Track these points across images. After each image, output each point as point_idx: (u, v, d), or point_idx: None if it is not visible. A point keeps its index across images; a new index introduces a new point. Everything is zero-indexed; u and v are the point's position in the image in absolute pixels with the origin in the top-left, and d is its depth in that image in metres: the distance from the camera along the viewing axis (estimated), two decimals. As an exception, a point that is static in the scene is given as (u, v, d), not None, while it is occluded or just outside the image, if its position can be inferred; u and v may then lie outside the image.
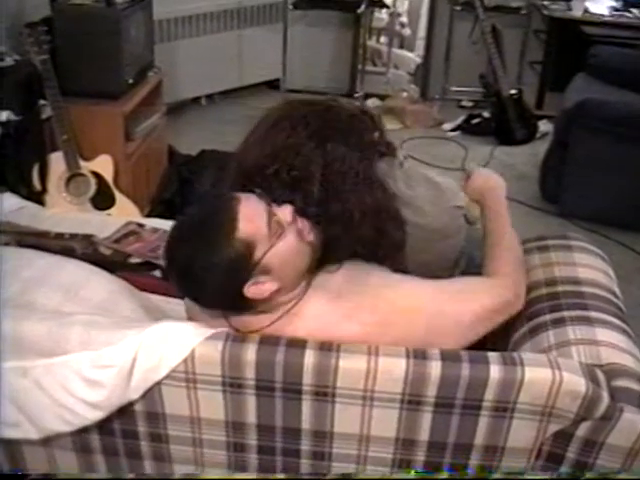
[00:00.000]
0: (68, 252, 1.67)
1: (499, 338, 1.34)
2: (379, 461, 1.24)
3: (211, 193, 1.73)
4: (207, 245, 1.15)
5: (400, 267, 1.33)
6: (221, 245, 1.14)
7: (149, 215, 2.91)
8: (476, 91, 4.63)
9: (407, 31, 5.34)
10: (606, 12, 4.34)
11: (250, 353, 1.15)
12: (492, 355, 1.16)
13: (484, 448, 1.19)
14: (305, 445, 1.24)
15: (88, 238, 1.82)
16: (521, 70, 4.69)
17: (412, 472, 1.24)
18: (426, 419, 1.17)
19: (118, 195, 2.83)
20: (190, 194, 3.17)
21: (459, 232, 1.55)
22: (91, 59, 2.80)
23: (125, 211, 2.78)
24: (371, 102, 4.69)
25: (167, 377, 1.18)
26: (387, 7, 4.98)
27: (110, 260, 1.78)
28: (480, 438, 1.18)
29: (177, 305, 1.53)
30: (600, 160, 3.27)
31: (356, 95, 4.69)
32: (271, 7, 4.58)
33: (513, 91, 4.26)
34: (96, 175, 2.78)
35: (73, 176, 2.75)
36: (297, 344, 1.16)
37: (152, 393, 1.20)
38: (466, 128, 4.45)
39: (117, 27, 2.80)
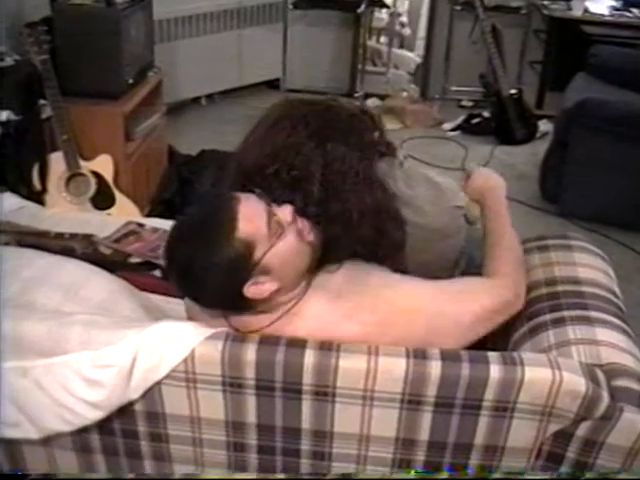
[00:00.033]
0: (68, 252, 1.67)
1: (499, 338, 1.34)
2: (379, 461, 1.24)
3: (211, 193, 1.72)
4: (207, 245, 1.15)
5: (400, 267, 1.33)
6: (221, 245, 1.14)
7: (149, 215, 2.91)
8: (476, 91, 4.63)
9: (407, 31, 5.34)
10: (606, 12, 4.34)
11: (250, 353, 1.15)
12: (492, 355, 1.16)
13: (484, 448, 1.19)
14: (305, 445, 1.24)
15: (88, 238, 1.82)
16: (521, 70, 4.69)
17: (412, 472, 1.24)
18: (426, 419, 1.17)
19: (118, 195, 2.83)
20: (190, 194, 3.17)
21: (459, 232, 1.55)
22: (91, 59, 2.80)
23: (125, 211, 2.78)
24: (371, 102, 4.69)
25: (167, 377, 1.18)
26: (387, 7, 4.98)
27: (110, 260, 1.78)
28: (480, 438, 1.18)
29: (177, 305, 1.53)
30: (600, 160, 3.27)
31: (356, 95, 4.70)
32: (271, 7, 4.58)
33: (513, 91, 4.26)
34: (96, 175, 2.78)
35: (73, 176, 2.75)
36: (297, 344, 1.16)
37: (152, 393, 1.20)
38: (466, 128, 4.45)
39: (117, 27, 2.80)
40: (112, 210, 2.80)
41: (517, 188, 3.49)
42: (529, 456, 1.19)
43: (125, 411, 1.23)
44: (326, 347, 1.16)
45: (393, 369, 1.14)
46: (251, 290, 1.16)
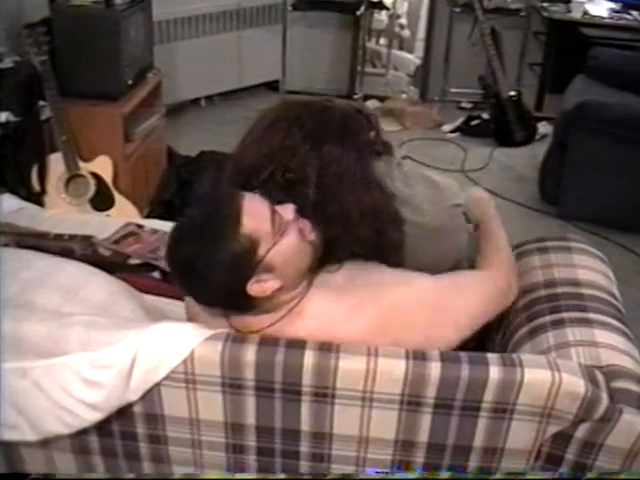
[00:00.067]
0: (67, 253, 1.67)
1: (499, 338, 1.34)
2: (378, 462, 1.24)
3: (211, 193, 1.72)
4: (210, 240, 1.15)
5: (399, 266, 1.33)
6: (225, 241, 1.14)
7: (148, 216, 2.91)
8: (475, 93, 4.63)
9: (406, 33, 5.35)
10: (605, 14, 4.34)
11: (250, 354, 1.15)
12: (491, 356, 1.16)
13: (483, 449, 1.19)
14: (304, 447, 1.24)
15: (87, 239, 1.81)
16: (520, 72, 4.69)
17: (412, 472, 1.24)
18: (425, 420, 1.17)
19: (117, 196, 2.83)
20: (189, 195, 3.18)
21: (459, 231, 1.54)
22: (90, 60, 2.80)
23: (124, 212, 2.78)
24: (370, 103, 4.70)
25: (166, 378, 1.17)
26: (387, 9, 4.99)
27: (109, 261, 1.78)
28: (479, 439, 1.18)
29: (177, 306, 1.53)
30: (599, 162, 3.27)
31: (355, 96, 4.70)
32: (270, 8, 4.58)
33: (512, 93, 4.26)
34: (95, 176, 2.78)
35: (72, 177, 2.75)
36: (296, 345, 1.16)
37: (151, 394, 1.20)
38: (465, 130, 4.45)
39: (116, 28, 2.80)
40: (111, 211, 2.79)
41: (516, 190, 3.49)
42: (528, 457, 1.19)
43: (124, 413, 1.22)
44: (325, 348, 1.16)
45: (392, 370, 1.14)
46: (254, 288, 1.16)
